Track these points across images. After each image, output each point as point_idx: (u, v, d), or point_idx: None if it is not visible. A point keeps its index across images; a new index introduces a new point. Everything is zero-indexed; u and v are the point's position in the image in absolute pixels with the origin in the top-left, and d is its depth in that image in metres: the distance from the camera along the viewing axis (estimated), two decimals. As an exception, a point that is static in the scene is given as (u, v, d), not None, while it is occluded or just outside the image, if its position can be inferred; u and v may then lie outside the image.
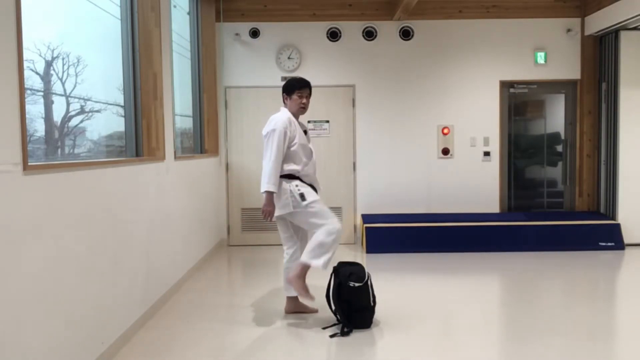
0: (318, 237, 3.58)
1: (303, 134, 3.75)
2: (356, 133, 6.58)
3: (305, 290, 3.63)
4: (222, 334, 3.56)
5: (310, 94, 3.80)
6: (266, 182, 3.55)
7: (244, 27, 6.47)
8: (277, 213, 3.66)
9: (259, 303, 4.21)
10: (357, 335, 3.46)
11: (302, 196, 3.61)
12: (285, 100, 3.79)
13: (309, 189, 3.70)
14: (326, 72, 6.51)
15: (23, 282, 2.25)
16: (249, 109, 6.52)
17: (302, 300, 3.77)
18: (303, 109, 3.77)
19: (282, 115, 3.68)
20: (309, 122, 6.45)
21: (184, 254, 4.86)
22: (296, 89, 3.73)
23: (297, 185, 3.63)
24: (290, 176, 3.66)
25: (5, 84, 2.16)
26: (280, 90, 3.87)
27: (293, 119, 3.71)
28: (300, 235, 3.89)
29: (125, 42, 4.02)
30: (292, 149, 3.64)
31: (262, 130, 3.73)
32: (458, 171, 6.60)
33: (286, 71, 6.43)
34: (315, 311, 3.87)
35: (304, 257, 3.60)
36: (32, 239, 2.32)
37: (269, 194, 3.57)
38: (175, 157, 4.59)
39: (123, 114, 4.01)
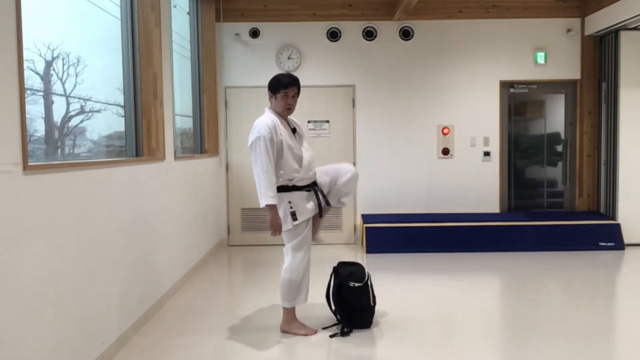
0: (282, 276, 3.51)
1: (292, 133, 3.45)
2: (356, 133, 6.58)
3: (302, 328, 3.52)
4: (222, 334, 3.56)
5: (298, 92, 3.45)
6: (264, 195, 3.24)
7: (244, 27, 6.47)
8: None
9: (258, 303, 4.21)
10: (357, 335, 3.46)
11: (294, 215, 3.38)
12: (271, 99, 3.45)
13: (303, 207, 3.43)
14: (326, 72, 6.52)
15: (23, 282, 2.25)
16: (249, 109, 6.51)
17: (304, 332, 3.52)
18: (289, 110, 3.43)
19: (265, 120, 3.34)
20: (309, 122, 6.45)
21: (184, 253, 4.86)
22: (282, 88, 3.37)
23: (290, 202, 3.39)
24: (284, 187, 3.38)
25: (5, 84, 2.16)
26: None
27: (277, 120, 3.38)
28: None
29: (125, 42, 4.02)
30: (281, 156, 3.34)
31: (248, 137, 3.40)
32: (458, 171, 6.60)
33: (286, 71, 6.42)
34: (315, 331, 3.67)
35: (280, 298, 3.56)
36: (32, 239, 2.32)
37: (271, 207, 3.28)
38: (175, 157, 4.59)
39: (123, 114, 4.01)
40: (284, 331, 3.54)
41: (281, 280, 3.53)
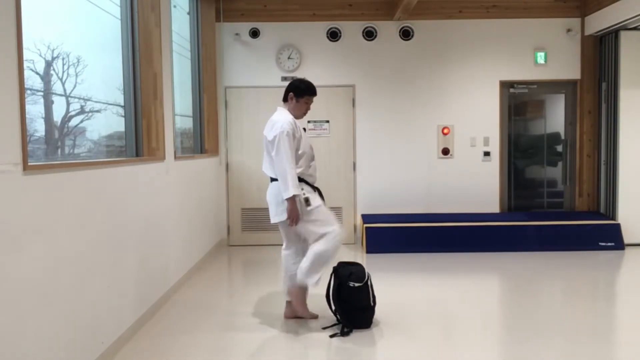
0: (318, 248, 3.55)
1: (304, 133, 3.72)
2: (356, 133, 6.58)
3: (308, 312, 3.78)
4: (221, 335, 3.56)
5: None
6: (292, 186, 3.43)
7: (244, 27, 6.47)
8: (280, 218, 3.58)
9: (258, 303, 4.21)
10: (357, 335, 3.46)
11: (307, 201, 3.55)
12: (291, 100, 3.69)
13: (315, 194, 3.66)
14: (326, 72, 6.51)
15: (23, 282, 2.25)
16: (249, 109, 6.52)
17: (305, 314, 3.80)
18: (304, 115, 3.77)
19: (286, 117, 3.59)
20: (308, 122, 6.45)
21: (184, 253, 4.86)
22: (307, 95, 3.69)
23: (302, 189, 3.55)
24: (299, 179, 3.56)
25: (5, 84, 2.16)
26: (281, 89, 3.83)
27: (294, 119, 3.66)
28: (302, 237, 3.75)
29: (125, 42, 4.02)
30: (300, 151, 3.58)
31: (264, 132, 3.63)
32: (458, 171, 6.60)
33: (286, 71, 6.43)
34: (316, 317, 3.80)
35: (300, 276, 3.59)
36: (32, 239, 2.32)
37: (293, 199, 3.46)
38: (175, 157, 4.59)
39: (123, 114, 4.01)
40: (292, 314, 3.76)
41: (315, 252, 3.56)
